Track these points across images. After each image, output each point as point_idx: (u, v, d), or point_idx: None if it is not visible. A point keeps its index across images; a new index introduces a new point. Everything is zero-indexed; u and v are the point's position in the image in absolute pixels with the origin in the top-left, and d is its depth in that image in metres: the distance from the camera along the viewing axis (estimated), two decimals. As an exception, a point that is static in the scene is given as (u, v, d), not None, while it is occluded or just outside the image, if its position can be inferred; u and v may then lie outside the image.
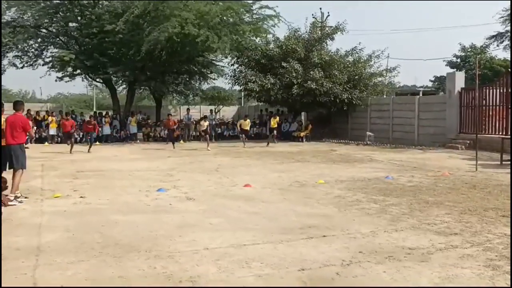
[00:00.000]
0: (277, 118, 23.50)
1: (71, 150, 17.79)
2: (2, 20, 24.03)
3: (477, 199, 8.23)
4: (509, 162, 12.95)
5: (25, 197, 8.25)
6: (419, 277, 4.43)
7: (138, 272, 4.56)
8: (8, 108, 9.72)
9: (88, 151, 17.93)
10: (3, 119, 8.35)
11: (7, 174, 8.41)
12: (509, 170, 11.78)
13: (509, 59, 35.63)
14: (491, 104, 18.11)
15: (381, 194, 8.80)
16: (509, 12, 33.39)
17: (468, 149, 17.18)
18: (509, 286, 4.18)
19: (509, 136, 15.43)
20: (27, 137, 8.86)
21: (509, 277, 4.41)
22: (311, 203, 8.03)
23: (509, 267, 4.66)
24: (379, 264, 4.77)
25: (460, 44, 40.49)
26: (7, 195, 7.98)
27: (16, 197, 7.97)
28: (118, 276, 4.46)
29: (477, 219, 6.73)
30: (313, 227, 6.32)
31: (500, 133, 16.92)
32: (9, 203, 7.78)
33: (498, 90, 18.00)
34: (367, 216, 6.99)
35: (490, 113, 18.13)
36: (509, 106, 17.01)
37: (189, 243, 5.55)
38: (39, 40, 26.12)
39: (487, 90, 18.47)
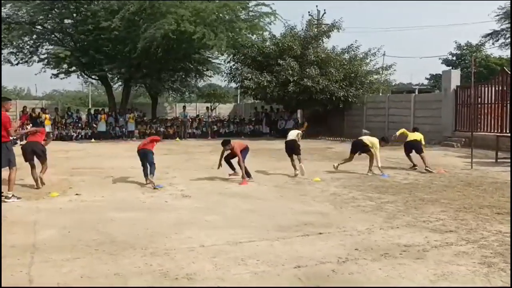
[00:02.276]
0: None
1: (37, 182, 9.28)
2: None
3: (472, 197, 8.26)
4: (504, 160, 13.01)
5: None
6: (414, 274, 4.44)
7: (134, 269, 4.55)
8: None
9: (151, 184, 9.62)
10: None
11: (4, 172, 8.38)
12: (504, 168, 11.84)
13: (505, 57, 35.79)
14: (486, 102, 18.18)
15: (377, 191, 8.82)
16: (505, 10, 33.50)
17: (464, 147, 17.24)
18: (509, 286, 4.19)
19: (504, 134, 15.50)
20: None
21: (504, 274, 4.42)
22: (307, 201, 8.04)
23: (505, 264, 4.68)
24: (374, 261, 4.79)
25: (456, 42, 40.71)
26: (2, 193, 7.96)
27: (7, 197, 7.89)
28: (114, 273, 4.46)
29: (473, 216, 6.76)
30: (309, 224, 6.33)
31: (496, 131, 16.98)
32: (7, 200, 7.75)
33: (493, 88, 18.06)
34: (363, 214, 7.01)
35: (486, 111, 18.20)
36: (505, 104, 17.07)
37: (185, 240, 5.55)
38: (34, 36, 26.03)
39: (483, 88, 18.53)
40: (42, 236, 5.71)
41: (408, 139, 13.24)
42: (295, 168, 11.27)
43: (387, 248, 5.23)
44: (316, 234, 5.84)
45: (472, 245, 5.34)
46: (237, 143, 10.60)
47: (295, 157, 11.35)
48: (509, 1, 30.99)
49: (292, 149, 11.40)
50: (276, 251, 5.14)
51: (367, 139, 11.87)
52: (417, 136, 13.08)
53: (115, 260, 4.83)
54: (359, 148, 11.81)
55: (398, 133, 13.58)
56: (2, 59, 25.84)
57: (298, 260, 4.81)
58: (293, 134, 11.76)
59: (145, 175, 9.83)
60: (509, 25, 33.26)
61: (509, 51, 34.72)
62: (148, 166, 9.79)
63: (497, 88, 17.86)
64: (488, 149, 15.00)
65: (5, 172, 8.31)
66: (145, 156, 9.99)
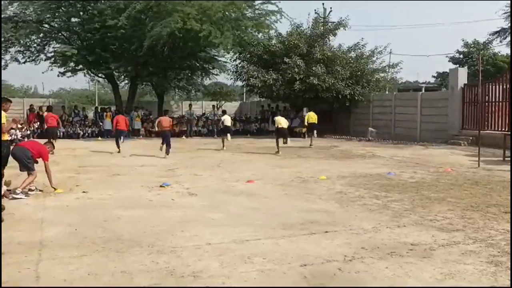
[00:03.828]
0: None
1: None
2: (4, 16, 24.05)
3: (479, 196, 8.21)
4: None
5: (40, 190, 8.43)
6: (421, 273, 4.42)
7: (140, 267, 4.57)
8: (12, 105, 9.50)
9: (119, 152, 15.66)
10: (4, 114, 8.33)
11: (8, 170, 8.46)
12: (511, 167, 11.74)
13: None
14: (494, 100, 18.06)
15: (383, 190, 8.79)
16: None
17: (471, 145, 17.15)
18: (510, 286, 4.16)
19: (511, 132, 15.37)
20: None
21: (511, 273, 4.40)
22: (313, 199, 8.03)
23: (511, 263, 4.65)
24: (381, 260, 4.77)
25: (463, 40, 40.25)
26: (9, 190, 8.01)
27: (15, 193, 7.98)
28: (120, 271, 4.47)
29: (480, 215, 6.72)
30: (315, 222, 6.31)
31: (503, 130, 16.87)
32: (15, 195, 7.81)
33: (501, 86, 17.93)
34: (369, 212, 6.99)
35: (493, 109, 18.08)
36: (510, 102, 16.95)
37: (191, 238, 5.56)
38: (41, 35, 26.12)
39: (490, 86, 18.41)
40: (49, 234, 5.74)
41: (311, 121, 19.22)
42: (223, 145, 17.62)
43: (394, 247, 5.21)
44: (322, 232, 5.83)
45: (479, 244, 5.31)
46: (166, 121, 15.77)
47: (226, 136, 17.83)
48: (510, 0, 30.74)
49: (229, 131, 18.27)
50: (282, 249, 5.14)
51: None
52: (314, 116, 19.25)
53: (121, 258, 4.84)
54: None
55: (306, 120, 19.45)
56: (10, 58, 26.08)
57: (304, 259, 4.80)
58: (229, 120, 18.58)
59: (118, 145, 15.95)
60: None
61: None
62: (122, 139, 16.58)
63: (504, 86, 17.73)
64: (496, 148, 14.91)
65: (9, 171, 8.40)
66: (121, 134, 16.69)
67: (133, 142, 21.24)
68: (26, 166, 8.26)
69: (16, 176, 8.65)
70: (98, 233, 5.77)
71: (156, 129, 17.29)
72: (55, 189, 8.53)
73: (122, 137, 16.70)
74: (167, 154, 14.48)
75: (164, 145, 14.78)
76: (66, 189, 8.79)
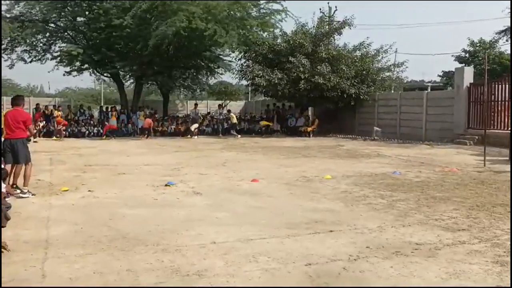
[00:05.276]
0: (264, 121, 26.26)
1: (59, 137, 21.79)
2: (10, 15, 24.24)
3: (485, 195, 8.18)
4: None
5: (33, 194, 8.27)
6: (426, 272, 4.41)
7: (145, 266, 4.58)
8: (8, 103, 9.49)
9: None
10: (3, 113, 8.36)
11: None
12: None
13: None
14: (500, 99, 17.97)
15: (389, 189, 8.77)
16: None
17: (477, 144, 17.07)
18: (510, 286, 4.14)
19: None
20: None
21: (517, 273, 4.38)
22: (318, 198, 8.02)
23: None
24: (386, 259, 4.76)
25: (469, 39, 40.00)
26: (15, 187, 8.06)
27: (22, 192, 8.02)
28: (125, 269, 4.49)
29: (485, 215, 6.69)
30: (320, 222, 6.31)
31: (509, 129, 16.77)
32: (22, 195, 7.85)
33: (507, 85, 17.84)
34: (374, 211, 6.98)
35: (499, 108, 17.99)
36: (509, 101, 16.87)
37: (196, 237, 5.57)
38: (47, 34, 26.32)
39: (496, 85, 18.32)
40: (54, 232, 5.77)
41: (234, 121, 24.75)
42: (191, 136, 22.82)
43: (399, 246, 5.20)
44: (327, 231, 5.83)
45: (485, 244, 5.29)
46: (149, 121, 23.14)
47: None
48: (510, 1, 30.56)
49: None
50: (286, 248, 5.14)
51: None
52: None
53: (126, 256, 4.86)
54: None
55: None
56: (16, 57, 26.29)
57: (309, 258, 4.80)
58: (196, 123, 24.03)
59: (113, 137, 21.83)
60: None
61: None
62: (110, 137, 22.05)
63: (510, 85, 17.63)
64: (502, 147, 14.84)
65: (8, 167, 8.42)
66: (114, 133, 22.46)
67: (138, 141, 21.33)
68: (21, 157, 8.15)
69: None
70: (104, 231, 5.80)
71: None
72: (34, 138, 8.54)
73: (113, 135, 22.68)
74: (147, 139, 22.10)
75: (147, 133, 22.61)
76: (71, 187, 8.84)
